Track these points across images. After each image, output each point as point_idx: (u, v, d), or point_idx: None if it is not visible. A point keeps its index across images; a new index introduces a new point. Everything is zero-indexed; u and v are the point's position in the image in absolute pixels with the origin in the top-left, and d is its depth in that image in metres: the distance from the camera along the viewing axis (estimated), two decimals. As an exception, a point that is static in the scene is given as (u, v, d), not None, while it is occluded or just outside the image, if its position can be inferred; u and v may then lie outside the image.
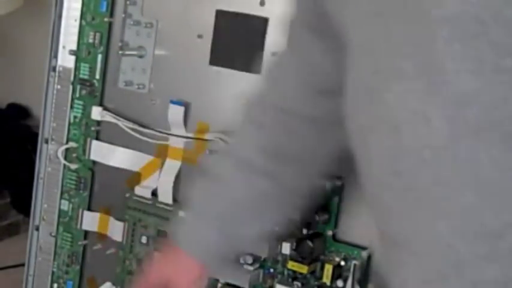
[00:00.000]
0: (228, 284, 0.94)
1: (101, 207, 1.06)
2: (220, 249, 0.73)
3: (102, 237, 1.06)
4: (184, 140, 0.98)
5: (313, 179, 0.75)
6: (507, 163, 0.48)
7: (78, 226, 1.08)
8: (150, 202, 1.01)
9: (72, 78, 1.05)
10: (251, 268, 0.92)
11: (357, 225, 0.88)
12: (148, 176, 1.01)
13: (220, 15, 0.94)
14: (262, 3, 0.92)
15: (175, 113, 0.97)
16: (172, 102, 0.98)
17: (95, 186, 1.07)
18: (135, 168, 1.02)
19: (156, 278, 0.74)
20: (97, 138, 1.05)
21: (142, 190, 1.02)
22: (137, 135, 1.01)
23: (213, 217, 0.72)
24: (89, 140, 1.05)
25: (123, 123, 1.01)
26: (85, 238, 1.08)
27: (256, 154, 0.70)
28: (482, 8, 0.47)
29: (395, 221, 0.55)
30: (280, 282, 0.91)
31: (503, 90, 0.47)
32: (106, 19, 1.02)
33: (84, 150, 1.06)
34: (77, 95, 1.05)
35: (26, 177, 1.23)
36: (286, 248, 0.88)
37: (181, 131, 0.98)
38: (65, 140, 1.07)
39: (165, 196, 1.00)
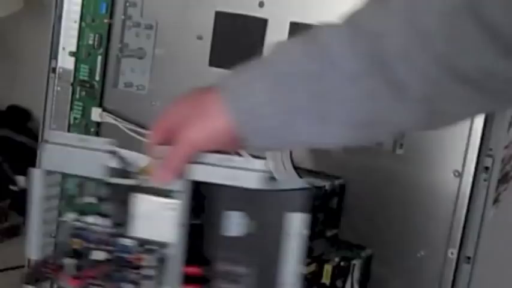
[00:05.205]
0: (228, 285, 0.94)
1: (101, 208, 1.07)
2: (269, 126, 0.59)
3: (102, 238, 1.06)
4: (184, 141, 0.98)
5: None
6: None
7: (78, 227, 1.08)
8: (150, 203, 1.01)
9: (72, 79, 1.05)
10: (251, 269, 0.92)
11: (356, 225, 0.89)
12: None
13: (220, 16, 0.94)
14: (261, 5, 0.92)
15: (175, 114, 0.97)
16: (172, 103, 0.98)
17: (95, 187, 1.07)
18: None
19: (169, 120, 0.63)
20: (97, 140, 1.05)
21: (142, 191, 1.02)
22: (137, 136, 1.01)
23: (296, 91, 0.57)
24: (88, 141, 1.05)
25: (122, 125, 1.01)
26: (85, 239, 1.08)
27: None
28: None
29: None
30: (280, 283, 0.91)
31: None
32: (106, 21, 1.02)
33: (84, 152, 1.06)
34: (77, 97, 1.06)
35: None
36: (286, 249, 0.88)
37: (181, 132, 0.98)
38: (65, 142, 1.07)
39: (165, 197, 1.00)
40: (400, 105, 0.56)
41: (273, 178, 0.65)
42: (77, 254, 0.77)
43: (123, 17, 1.01)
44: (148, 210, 0.71)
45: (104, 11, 1.02)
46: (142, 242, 0.72)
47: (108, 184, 0.73)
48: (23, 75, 1.68)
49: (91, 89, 1.05)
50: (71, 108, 1.06)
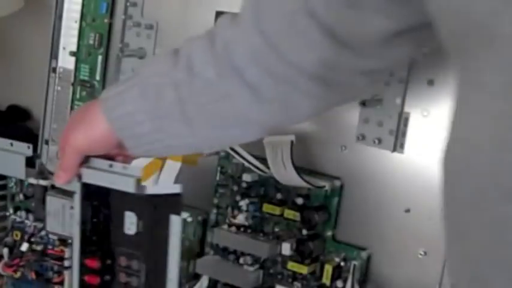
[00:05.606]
0: (227, 285, 0.94)
1: (101, 208, 1.07)
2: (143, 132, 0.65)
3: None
4: (184, 140, 0.98)
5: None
6: None
7: (78, 227, 1.08)
8: (150, 203, 1.02)
9: (72, 79, 1.06)
10: (251, 269, 0.92)
11: (356, 225, 0.89)
12: (148, 176, 1.01)
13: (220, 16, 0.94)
14: (261, 5, 0.92)
15: (175, 114, 0.98)
16: (172, 103, 0.98)
17: (95, 187, 1.07)
18: (135, 169, 1.03)
19: (66, 127, 0.70)
20: (97, 139, 1.05)
21: (142, 191, 1.02)
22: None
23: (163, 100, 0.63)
24: (89, 141, 1.05)
25: (123, 124, 1.02)
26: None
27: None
28: None
29: None
30: (280, 283, 0.91)
31: None
32: (106, 20, 1.02)
33: (84, 151, 1.06)
34: (77, 96, 1.06)
35: (26, 179, 1.23)
36: (286, 249, 0.88)
37: (181, 132, 0.98)
38: (65, 141, 1.07)
39: (165, 197, 1.00)
40: (255, 104, 0.61)
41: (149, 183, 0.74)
42: (15, 245, 0.92)
43: (123, 16, 1.01)
44: (57, 208, 0.84)
45: (104, 10, 1.02)
46: (59, 237, 0.85)
47: (31, 184, 0.87)
48: (23, 75, 1.68)
49: (91, 89, 1.05)
50: (71, 108, 1.06)
